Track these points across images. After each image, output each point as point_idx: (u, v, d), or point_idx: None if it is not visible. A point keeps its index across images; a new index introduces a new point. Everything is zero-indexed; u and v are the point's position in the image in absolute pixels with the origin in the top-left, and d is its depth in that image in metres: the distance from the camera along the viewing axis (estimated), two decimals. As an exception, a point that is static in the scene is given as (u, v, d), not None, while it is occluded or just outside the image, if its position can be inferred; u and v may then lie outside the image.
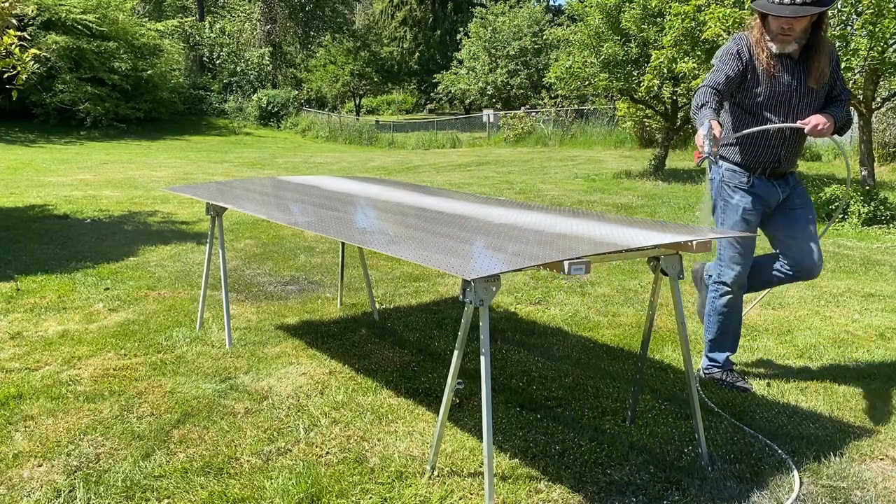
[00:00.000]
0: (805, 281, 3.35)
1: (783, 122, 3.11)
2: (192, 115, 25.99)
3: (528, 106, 26.73)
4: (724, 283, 3.30)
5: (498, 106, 30.43)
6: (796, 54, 3.06)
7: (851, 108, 8.54)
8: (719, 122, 2.96)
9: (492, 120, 24.46)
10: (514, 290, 5.01)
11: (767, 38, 3.04)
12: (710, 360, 3.40)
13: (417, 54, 44.32)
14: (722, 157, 3.24)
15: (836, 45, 7.21)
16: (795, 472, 2.59)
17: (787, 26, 2.95)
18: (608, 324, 4.30)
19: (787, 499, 2.44)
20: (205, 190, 4.15)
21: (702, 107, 3.00)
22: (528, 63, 31.60)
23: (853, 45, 7.02)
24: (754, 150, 3.20)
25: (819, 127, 2.98)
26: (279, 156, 17.78)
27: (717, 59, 3.15)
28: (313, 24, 39.30)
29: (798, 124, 3.03)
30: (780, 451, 2.74)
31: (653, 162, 12.68)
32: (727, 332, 3.38)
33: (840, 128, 3.11)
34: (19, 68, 6.00)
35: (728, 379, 3.37)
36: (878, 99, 8.56)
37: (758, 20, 3.08)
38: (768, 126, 3.09)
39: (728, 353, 3.40)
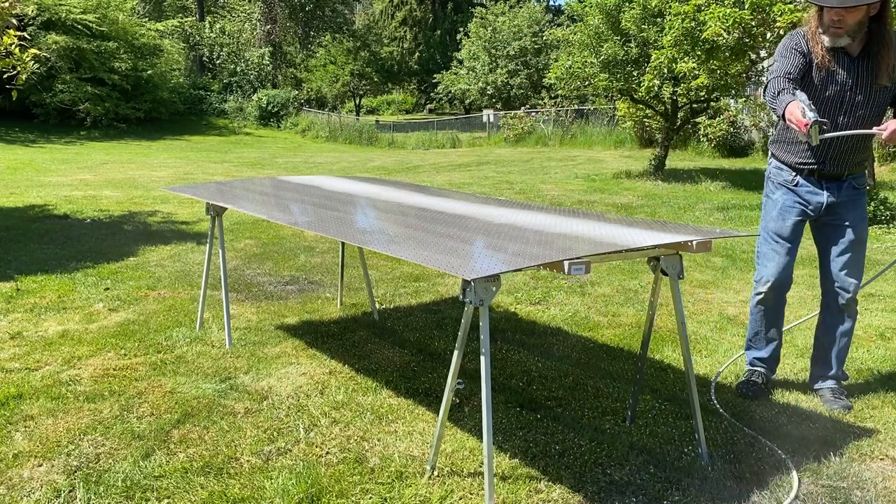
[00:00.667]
0: (842, 314, 3.16)
1: (840, 120, 2.97)
2: (192, 115, 26.00)
3: (528, 106, 26.72)
4: (757, 282, 3.26)
5: (498, 106, 30.43)
6: (854, 49, 2.92)
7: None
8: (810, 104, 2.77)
9: (492, 120, 24.46)
10: (514, 290, 5.01)
11: (821, 31, 2.93)
12: (749, 357, 3.42)
13: (417, 54, 44.32)
14: (822, 128, 2.80)
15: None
16: (794, 473, 2.59)
17: (838, 18, 2.84)
18: (608, 324, 4.30)
19: (786, 499, 2.44)
20: (205, 190, 4.15)
21: (779, 94, 2.86)
22: (528, 63, 31.60)
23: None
24: (796, 148, 3.11)
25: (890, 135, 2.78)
26: (279, 156, 17.78)
27: (777, 55, 3.04)
28: (313, 24, 39.31)
29: (875, 130, 2.85)
30: (779, 452, 2.74)
31: (653, 162, 12.68)
32: (758, 332, 3.35)
33: None
34: (19, 68, 6.00)
35: (745, 377, 3.35)
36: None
37: (815, 13, 2.97)
38: (848, 132, 2.90)
39: (757, 353, 3.37)
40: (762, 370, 3.37)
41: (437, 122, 27.63)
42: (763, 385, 3.30)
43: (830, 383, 3.23)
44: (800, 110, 2.68)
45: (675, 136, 14.54)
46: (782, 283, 3.20)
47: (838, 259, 3.11)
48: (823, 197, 3.09)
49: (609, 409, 3.11)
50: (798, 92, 2.79)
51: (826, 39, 2.92)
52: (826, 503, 2.43)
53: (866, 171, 3.06)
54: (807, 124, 2.65)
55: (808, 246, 6.70)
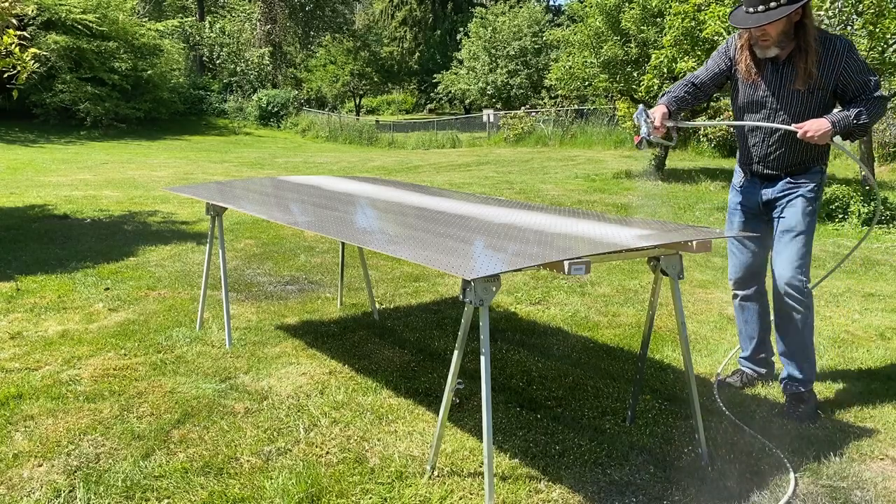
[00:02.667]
0: (783, 302, 3.08)
1: (765, 120, 3.09)
2: (192, 115, 25.99)
3: (528, 106, 26.73)
4: (729, 281, 3.42)
5: (498, 106, 30.44)
6: (783, 57, 2.99)
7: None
8: (667, 108, 3.08)
9: (492, 120, 24.47)
10: (514, 290, 5.01)
11: (751, 42, 3.03)
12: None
13: (417, 54, 44.34)
14: (651, 143, 3.14)
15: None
16: (792, 473, 2.59)
17: (760, 33, 2.95)
18: (608, 324, 4.30)
19: (784, 499, 2.44)
20: (205, 190, 4.15)
21: (664, 94, 3.15)
22: (528, 63, 31.61)
23: (853, 45, 7.02)
24: (740, 149, 3.25)
25: (809, 133, 2.89)
26: (279, 156, 17.79)
27: (709, 57, 3.25)
28: (313, 24, 39.30)
29: (793, 127, 2.94)
30: (777, 452, 2.74)
31: (653, 162, 12.69)
32: (740, 331, 3.45)
33: (847, 133, 2.93)
34: (19, 68, 6.00)
35: (727, 376, 3.44)
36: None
37: None
38: (758, 123, 3.07)
39: (742, 353, 3.46)
40: (747, 370, 3.43)
41: (437, 122, 27.63)
42: (740, 385, 3.37)
43: (783, 374, 3.21)
44: (642, 121, 2.97)
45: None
46: (744, 280, 3.30)
47: (776, 253, 3.14)
48: (759, 195, 3.18)
49: (609, 409, 3.11)
50: (662, 103, 3.09)
51: (757, 51, 3.02)
52: (826, 503, 2.43)
53: (819, 170, 3.10)
54: (637, 138, 3.00)
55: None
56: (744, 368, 3.44)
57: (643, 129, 2.99)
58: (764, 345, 3.41)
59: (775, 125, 3.02)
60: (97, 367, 3.50)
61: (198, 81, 28.33)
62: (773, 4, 2.83)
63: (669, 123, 3.12)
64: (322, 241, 6.60)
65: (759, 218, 3.22)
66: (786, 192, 3.10)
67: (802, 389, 3.11)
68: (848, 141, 3.03)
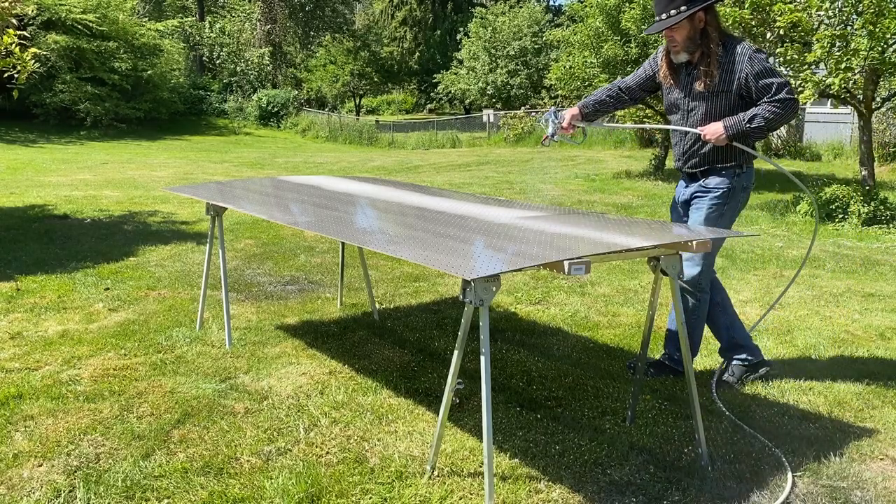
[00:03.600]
0: (683, 299, 3.28)
1: (680, 125, 3.29)
2: (192, 115, 25.99)
3: (528, 106, 26.72)
4: None
5: (498, 106, 30.43)
6: (693, 61, 3.19)
7: (851, 109, 8.56)
8: (580, 110, 3.44)
9: (492, 120, 24.46)
10: (514, 290, 5.01)
11: (668, 49, 3.26)
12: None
13: (417, 54, 44.32)
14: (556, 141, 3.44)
15: (836, 45, 7.21)
16: (789, 472, 2.59)
17: (669, 38, 3.17)
18: (608, 324, 4.30)
19: (781, 498, 2.44)
20: (205, 190, 4.15)
21: (587, 96, 3.52)
22: (528, 63, 31.60)
23: (853, 44, 7.02)
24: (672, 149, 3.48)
25: (707, 136, 3.11)
26: (279, 156, 17.79)
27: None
28: (313, 24, 39.29)
29: (697, 129, 3.18)
30: (777, 451, 2.74)
31: (653, 162, 12.69)
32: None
33: (742, 135, 3.07)
34: (19, 68, 6.00)
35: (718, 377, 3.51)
36: (878, 99, 8.56)
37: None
38: (645, 126, 3.67)
39: (722, 346, 3.56)
40: (734, 364, 3.49)
41: (437, 122, 27.62)
42: (735, 380, 3.42)
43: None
44: (550, 122, 3.36)
45: (675, 136, 14.52)
46: (697, 280, 3.34)
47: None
48: (681, 192, 3.42)
49: (609, 409, 3.11)
50: (578, 105, 3.46)
51: (672, 56, 3.26)
52: (826, 503, 2.43)
53: (733, 172, 3.22)
54: (546, 137, 3.41)
55: (800, 247, 6.71)
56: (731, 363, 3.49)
57: (549, 129, 3.39)
58: (732, 329, 3.49)
59: (683, 128, 3.25)
60: (97, 367, 3.50)
61: (198, 81, 28.33)
62: (672, 12, 3.08)
63: (579, 124, 3.45)
64: (322, 241, 6.60)
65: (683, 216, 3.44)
66: (696, 195, 3.31)
67: (672, 366, 3.49)
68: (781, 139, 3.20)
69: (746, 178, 3.24)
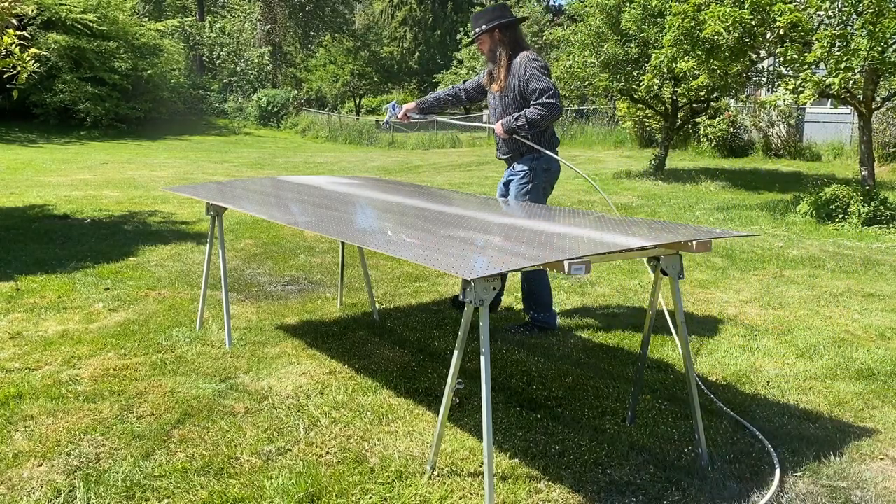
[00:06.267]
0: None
1: (492, 120, 4.09)
2: (192, 115, 25.98)
3: (528, 106, 26.66)
4: None
5: (498, 106, 30.35)
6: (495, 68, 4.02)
7: (851, 109, 8.55)
8: (418, 105, 4.28)
9: (492, 120, 24.42)
10: (515, 290, 5.00)
11: None
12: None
13: (417, 54, 44.31)
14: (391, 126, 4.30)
15: (836, 45, 7.21)
16: (777, 469, 2.59)
17: (479, 49, 4.06)
18: (608, 324, 4.30)
19: (764, 496, 2.44)
20: (205, 190, 4.15)
21: (432, 93, 4.37)
22: (528, 63, 31.53)
23: (853, 44, 7.01)
24: None
25: (497, 130, 3.97)
26: (279, 156, 17.79)
27: None
28: (313, 24, 39.30)
29: (495, 125, 4.01)
30: (769, 447, 2.74)
31: (653, 162, 12.69)
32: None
33: (512, 130, 3.89)
34: (19, 68, 6.00)
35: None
36: (878, 99, 8.56)
37: None
38: (459, 122, 4.40)
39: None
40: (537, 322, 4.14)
41: (437, 122, 27.61)
42: (529, 335, 4.06)
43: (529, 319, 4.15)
44: (389, 111, 4.34)
45: (675, 136, 14.54)
46: None
47: None
48: (505, 176, 4.13)
49: (609, 409, 3.11)
50: (423, 98, 4.32)
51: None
52: (826, 503, 2.43)
53: (531, 157, 3.97)
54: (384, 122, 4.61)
55: (807, 246, 6.71)
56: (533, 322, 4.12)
57: (387, 116, 4.32)
58: (526, 299, 4.15)
59: (489, 125, 4.11)
60: (97, 367, 3.50)
61: (198, 81, 28.31)
62: (477, 30, 3.97)
63: (415, 116, 4.30)
64: (322, 241, 6.60)
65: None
66: (510, 178, 4.07)
67: (538, 321, 4.09)
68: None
69: (545, 162, 3.98)
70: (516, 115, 3.85)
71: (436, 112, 4.35)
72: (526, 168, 3.98)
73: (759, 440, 2.84)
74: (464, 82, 4.32)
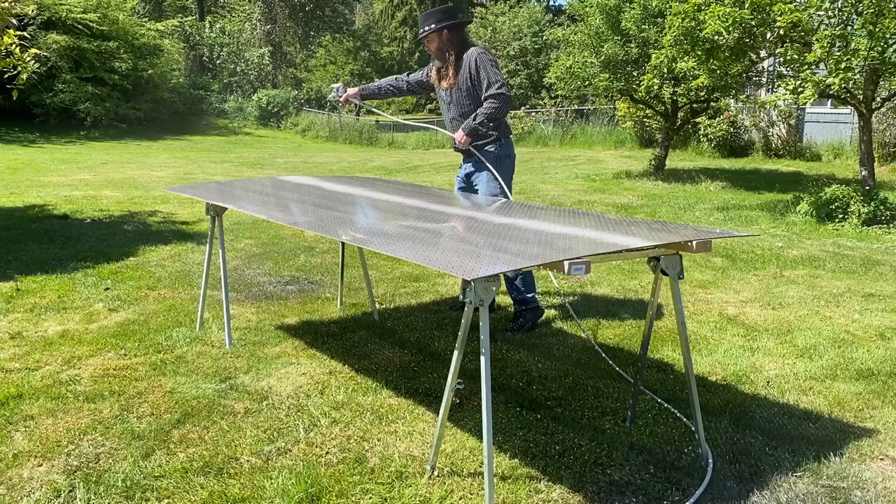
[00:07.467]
0: None
1: (446, 115, 4.25)
2: (192, 115, 25.97)
3: (528, 106, 26.73)
4: None
5: (498, 106, 30.36)
6: (444, 66, 4.13)
7: (851, 109, 8.55)
8: (360, 91, 4.41)
9: (492, 120, 24.39)
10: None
11: None
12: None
13: (417, 54, 44.29)
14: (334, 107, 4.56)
15: (836, 45, 7.20)
16: (710, 461, 2.59)
17: (427, 48, 4.17)
18: (608, 324, 4.30)
19: (697, 493, 2.44)
20: (205, 190, 4.15)
21: (378, 80, 4.50)
22: (528, 63, 31.60)
23: (853, 44, 7.01)
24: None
25: (459, 143, 4.06)
26: (279, 156, 17.79)
27: None
28: (313, 24, 39.28)
29: (453, 135, 4.12)
30: (688, 423, 2.74)
31: (653, 162, 12.68)
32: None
33: (474, 130, 4.02)
34: (19, 68, 6.00)
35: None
36: (878, 99, 8.56)
37: None
38: (397, 120, 5.09)
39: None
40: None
41: (437, 122, 27.62)
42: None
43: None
44: (333, 92, 4.44)
45: (675, 136, 14.54)
46: None
47: None
48: (463, 168, 4.25)
49: (609, 409, 3.11)
50: (368, 84, 4.52)
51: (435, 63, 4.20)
52: (826, 503, 2.43)
53: (493, 147, 4.12)
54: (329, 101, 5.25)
55: (807, 246, 6.70)
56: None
57: (330, 96, 4.49)
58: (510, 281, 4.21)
59: (437, 128, 4.44)
60: (97, 367, 3.50)
61: (198, 81, 28.30)
62: (426, 28, 4.06)
63: (355, 100, 4.42)
64: (322, 241, 6.60)
65: (468, 187, 4.24)
66: (474, 170, 4.17)
67: (527, 300, 4.15)
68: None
69: (506, 148, 4.18)
70: (472, 115, 4.02)
71: (378, 99, 4.50)
72: (490, 159, 4.11)
73: (683, 420, 2.84)
74: (407, 74, 4.44)
